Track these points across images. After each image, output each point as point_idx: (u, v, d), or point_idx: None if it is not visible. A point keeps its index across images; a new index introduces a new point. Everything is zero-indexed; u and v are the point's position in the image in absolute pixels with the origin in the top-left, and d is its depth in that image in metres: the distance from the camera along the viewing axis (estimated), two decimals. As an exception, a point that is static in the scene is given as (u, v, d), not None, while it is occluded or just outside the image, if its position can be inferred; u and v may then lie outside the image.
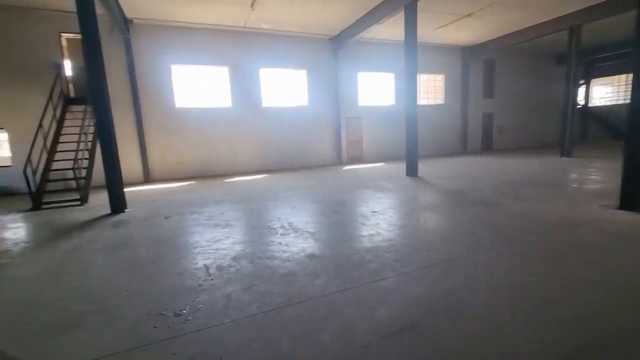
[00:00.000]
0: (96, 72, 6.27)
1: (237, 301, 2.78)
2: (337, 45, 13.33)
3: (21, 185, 8.74)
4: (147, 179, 11.30)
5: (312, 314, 2.54)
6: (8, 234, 5.38)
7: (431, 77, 16.03)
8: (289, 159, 13.45)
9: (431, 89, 16.20)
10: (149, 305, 2.77)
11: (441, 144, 16.60)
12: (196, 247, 4.27)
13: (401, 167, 10.94)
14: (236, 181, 10.52)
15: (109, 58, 8.78)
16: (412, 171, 9.79)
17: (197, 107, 11.84)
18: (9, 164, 9.78)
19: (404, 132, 10.05)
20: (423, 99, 15.84)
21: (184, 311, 2.64)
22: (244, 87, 12.32)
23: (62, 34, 9.83)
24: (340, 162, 14.29)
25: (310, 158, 13.87)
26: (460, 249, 3.79)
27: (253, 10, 10.10)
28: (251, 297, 2.83)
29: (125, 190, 6.96)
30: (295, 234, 4.61)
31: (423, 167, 11.09)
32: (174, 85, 11.39)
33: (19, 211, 7.17)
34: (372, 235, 4.38)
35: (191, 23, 11.01)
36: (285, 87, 13.28)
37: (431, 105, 16.06)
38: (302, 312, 2.57)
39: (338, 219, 5.37)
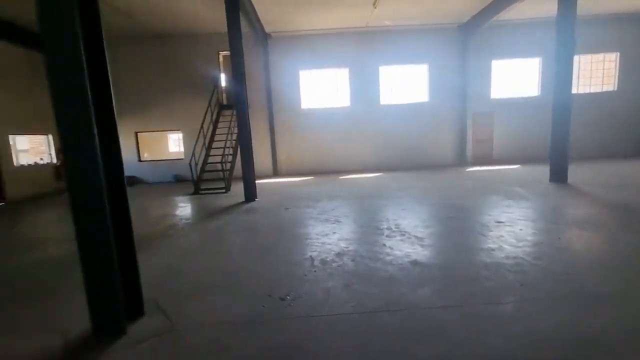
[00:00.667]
0: (239, 81, 7.49)
1: (336, 297, 2.85)
2: (467, 32, 11.99)
3: (189, 174, 11.28)
4: (276, 173, 12.84)
5: (410, 325, 2.38)
6: (176, 212, 7.04)
7: (597, 57, 12.61)
8: (406, 158, 12.97)
9: (596, 73, 12.75)
10: (262, 286, 3.15)
11: (607, 143, 12.91)
12: (306, 238, 4.60)
13: (543, 170, 9.06)
14: (350, 178, 10.82)
15: (250, 69, 10.38)
16: (558, 176, 7.98)
17: (318, 108, 12.71)
18: (182, 157, 12.76)
19: (549, 128, 8.26)
20: (582, 86, 12.65)
21: (288, 297, 2.89)
22: (363, 86, 12.51)
23: (220, 52, 12.13)
24: (464, 163, 12.89)
25: (429, 157, 13.02)
26: (618, 281, 2.88)
27: (375, 8, 10.10)
28: (348, 295, 2.87)
29: (257, 182, 8.09)
30: (402, 237, 4.42)
31: (576, 171, 8.87)
32: (301, 89, 12.54)
33: (185, 194, 9.28)
34: (493, 250, 3.78)
35: (315, 30, 11.84)
36: (405, 84, 12.81)
37: (594, 94, 12.67)
38: (399, 321, 2.44)
39: (453, 225, 4.87)
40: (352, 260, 3.67)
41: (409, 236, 4.44)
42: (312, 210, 6.39)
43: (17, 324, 2.72)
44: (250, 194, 7.75)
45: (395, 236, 4.47)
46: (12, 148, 9.96)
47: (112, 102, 2.49)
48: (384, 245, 4.14)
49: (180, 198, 8.75)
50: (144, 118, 12.35)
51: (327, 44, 12.22)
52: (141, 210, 7.34)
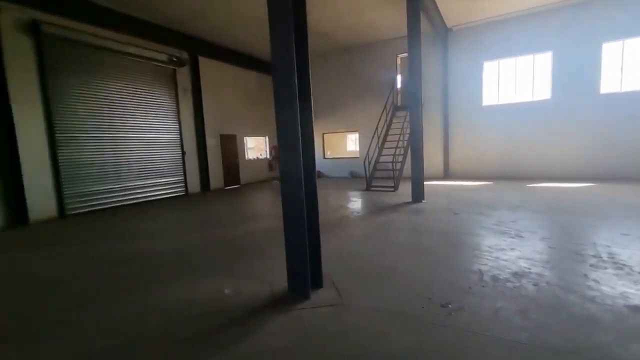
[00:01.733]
0: (414, 81, 7.56)
1: (505, 320, 2.55)
2: None
3: (363, 171, 12.34)
4: (447, 175, 12.13)
5: (611, 383, 1.86)
6: (349, 205, 7.91)
7: None
8: (637, 166, 9.41)
9: None
10: (421, 287, 3.19)
11: None
12: (475, 249, 4.23)
13: None
14: (543, 187, 8.89)
15: (426, 68, 10.23)
16: None
17: (503, 104, 11.03)
18: (357, 156, 14.05)
19: None
20: None
21: (450, 306, 2.81)
22: (573, 72, 9.90)
23: (398, 55, 12.51)
24: None
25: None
26: None
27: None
28: (523, 323, 2.50)
29: (425, 183, 7.97)
30: (617, 270, 3.35)
31: None
32: (483, 83, 11.26)
33: (358, 190, 10.22)
34: None
35: (507, 14, 10.26)
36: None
37: None
38: (594, 373, 1.95)
39: None
40: (534, 285, 3.13)
41: (629, 271, 3.32)
42: (486, 219, 5.74)
43: (238, 273, 3.90)
44: (418, 194, 7.72)
45: (605, 268, 3.44)
46: (245, 146, 13.87)
47: (311, 110, 3.16)
48: (586, 276, 3.28)
49: (353, 193, 9.73)
50: (329, 121, 14.35)
51: (522, 27, 10.38)
52: (322, 200, 8.69)
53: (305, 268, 3.06)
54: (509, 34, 10.59)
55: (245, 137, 13.76)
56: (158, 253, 4.81)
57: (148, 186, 9.72)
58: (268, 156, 15.14)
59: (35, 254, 5.03)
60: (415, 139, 7.74)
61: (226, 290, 3.37)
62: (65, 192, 7.81)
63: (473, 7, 9.79)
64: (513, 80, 10.99)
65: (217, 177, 12.11)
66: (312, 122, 3.16)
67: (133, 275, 3.95)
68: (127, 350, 2.43)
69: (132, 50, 9.08)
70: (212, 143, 11.89)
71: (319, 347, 2.34)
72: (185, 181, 10.87)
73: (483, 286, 3.15)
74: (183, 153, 10.76)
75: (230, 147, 12.88)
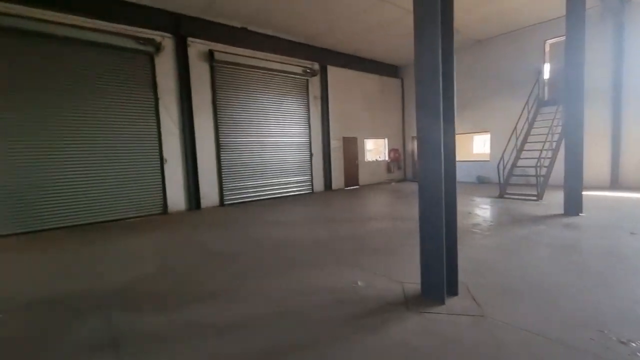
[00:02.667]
0: (575, 69, 6.32)
1: None
2: None
3: (493, 176, 11.00)
4: (615, 185, 9.64)
5: None
6: (480, 212, 7.21)
7: None
8: None
9: None
10: (584, 315, 2.69)
11: None
12: (671, 281, 3.28)
13: None
14: None
15: (591, 52, 8.35)
16: None
17: None
18: (487, 159, 12.60)
19: None
20: None
21: (633, 344, 2.30)
22: None
23: (546, 41, 10.64)
24: None
25: None
26: None
27: None
28: None
29: (583, 193, 6.57)
30: None
31: None
32: (681, 63, 8.48)
33: (488, 196, 9.18)
34: None
35: None
36: None
37: None
38: None
39: None
40: None
41: None
42: (687, 244, 4.34)
43: (369, 267, 4.07)
44: (573, 206, 6.41)
45: None
46: (364, 148, 14.26)
47: (453, 114, 3.09)
48: None
49: (482, 199, 8.81)
50: (457, 121, 13.33)
51: None
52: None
53: (441, 273, 3.00)
54: None
55: (365, 140, 14.15)
56: (297, 241, 5.49)
57: (282, 184, 11.13)
58: (387, 158, 15.15)
59: (207, 233, 6.47)
60: (574, 138, 6.45)
61: (359, 282, 3.61)
62: (224, 186, 9.73)
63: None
64: None
65: (338, 177, 12.87)
66: (454, 126, 3.09)
67: (281, 258, 4.65)
68: (287, 319, 2.91)
69: (276, 66, 10.58)
70: (335, 145, 12.70)
71: (465, 356, 2.29)
72: (311, 180, 11.97)
73: (687, 329, 2.44)
74: (311, 155, 11.88)
75: (351, 149, 13.47)
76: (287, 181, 11.28)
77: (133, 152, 8.12)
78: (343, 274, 3.89)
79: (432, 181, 3.00)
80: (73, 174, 7.36)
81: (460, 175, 13.20)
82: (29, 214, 6.87)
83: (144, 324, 2.94)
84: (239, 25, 9.58)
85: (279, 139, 11.02)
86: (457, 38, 11.43)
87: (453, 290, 3.16)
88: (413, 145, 15.33)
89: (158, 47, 8.09)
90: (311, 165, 11.94)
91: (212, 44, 9.25)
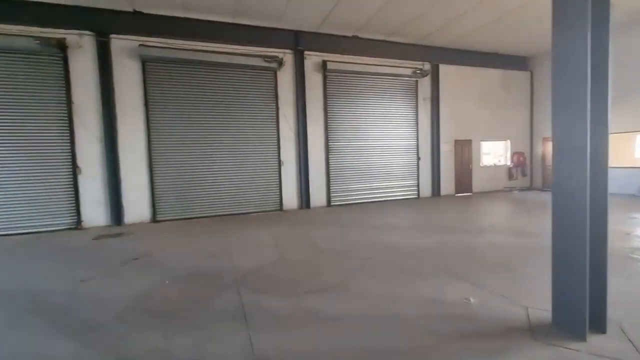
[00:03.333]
0: None
1: None
2: None
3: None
4: None
5: None
6: (645, 234, 5.65)
7: None
8: None
9: None
10: None
11: None
12: None
13: None
14: None
15: None
16: None
17: None
18: (658, 165, 9.70)
19: None
20: None
21: None
22: None
23: None
24: None
25: None
26: None
27: None
28: None
29: None
30: None
31: None
32: None
33: (660, 214, 7.08)
34: None
35: None
36: None
37: None
38: None
39: None
40: None
41: None
42: None
43: (483, 284, 3.68)
44: None
45: None
46: (480, 152, 12.84)
47: (607, 113, 2.56)
48: None
49: (649, 218, 6.86)
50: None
51: None
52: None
53: (583, 303, 2.52)
54: None
55: (481, 142, 12.75)
56: (405, 246, 5.40)
57: (387, 187, 11.04)
58: (508, 163, 13.28)
59: (318, 231, 6.95)
60: None
61: (471, 299, 3.33)
62: (332, 188, 10.27)
63: None
64: None
65: (448, 183, 11.97)
66: (607, 125, 2.55)
67: (388, 261, 4.67)
68: (392, 323, 2.93)
69: (384, 70, 10.58)
70: (446, 149, 11.86)
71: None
72: (418, 185, 11.49)
73: None
74: (418, 159, 11.41)
75: (464, 152, 12.33)
76: (392, 185, 11.13)
77: (259, 156, 9.40)
78: (453, 287, 3.66)
79: (572, 192, 2.55)
80: (215, 174, 9.00)
81: (615, 185, 10.58)
82: (182, 205, 8.73)
83: (266, 304, 3.41)
84: (350, 34, 9.98)
85: (385, 142, 10.97)
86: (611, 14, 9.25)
87: (599, 327, 2.61)
88: (544, 148, 13.00)
89: (280, 63, 9.15)
90: (418, 170, 11.46)
91: (325, 54, 9.90)
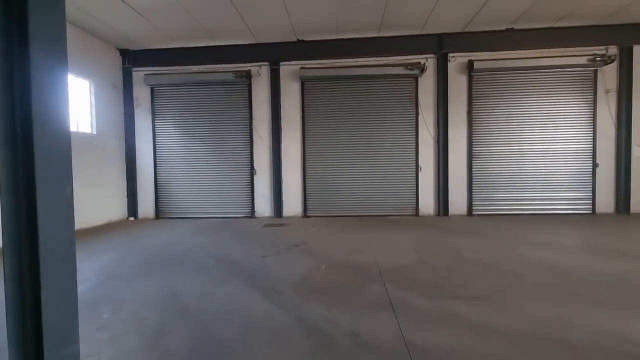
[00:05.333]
0: None
1: None
2: None
3: None
4: None
5: None
6: None
7: None
8: None
9: None
10: None
11: None
12: None
13: None
14: None
15: None
16: None
17: None
18: None
19: None
20: None
21: None
22: None
23: None
24: None
25: None
26: None
27: None
28: None
29: None
30: None
31: None
32: None
33: None
34: None
35: None
36: None
37: None
38: None
39: None
40: None
41: None
42: None
43: None
44: None
45: None
46: None
47: None
48: None
49: None
50: None
51: None
52: None
53: None
54: None
55: (702, 144, 9.22)
56: (570, 270, 4.64)
57: (545, 199, 9.40)
58: None
59: (457, 238, 6.67)
60: None
61: (674, 343, 2.68)
62: (474, 196, 9.55)
63: None
64: None
65: (641, 197, 9.21)
66: None
67: (549, 284, 4.17)
68: (551, 349, 2.72)
69: (546, 62, 9.09)
70: (639, 153, 9.16)
71: None
72: (593, 198, 9.31)
73: None
74: (594, 165, 9.25)
75: (674, 158, 9.19)
76: (553, 196, 9.41)
77: (397, 161, 9.71)
78: (645, 326, 3.01)
79: None
80: (356, 177, 9.83)
81: None
82: (328, 203, 9.89)
83: (411, 299, 3.67)
84: (503, 28, 9.05)
85: (545, 146, 9.39)
86: None
87: None
88: None
89: (422, 69, 9.19)
90: (594, 179, 9.28)
91: (472, 54, 9.31)
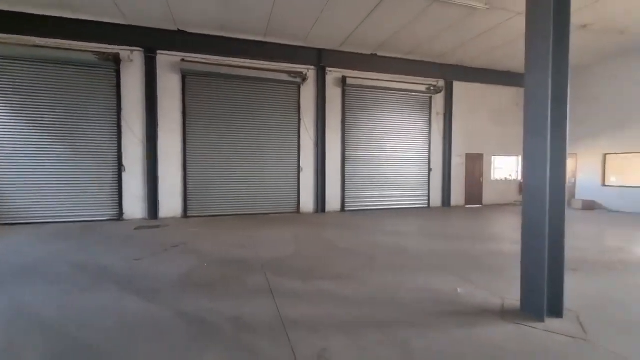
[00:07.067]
0: None
1: None
2: None
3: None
4: None
5: None
6: (635, 248, 6.08)
7: None
8: None
9: None
10: None
11: None
12: None
13: None
14: None
15: None
16: None
17: None
18: (667, 186, 9.92)
19: None
20: None
21: None
22: None
23: None
24: None
25: None
26: None
27: None
28: None
29: None
30: None
31: None
32: None
33: (659, 233, 7.42)
34: None
35: None
36: None
37: None
38: None
39: None
40: None
41: None
42: None
43: (475, 281, 4.30)
44: None
45: None
46: (491, 166, 13.27)
47: (565, 140, 3.20)
48: None
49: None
50: (618, 138, 11.06)
51: None
52: (592, 236, 7.15)
53: (540, 289, 3.15)
54: None
55: (492, 157, 13.19)
56: (412, 249, 6.05)
57: (399, 196, 11.67)
58: (519, 178, 13.63)
59: (332, 232, 7.68)
60: None
61: (459, 290, 3.98)
62: (346, 194, 11.01)
63: None
64: None
65: (458, 194, 12.47)
66: (565, 148, 3.19)
67: (395, 260, 5.34)
68: (392, 303, 3.63)
69: (399, 86, 11.32)
70: (457, 162, 12.39)
71: (545, 361, 2.53)
72: (429, 195, 12.06)
73: None
74: (429, 170, 12.00)
75: (475, 166, 12.81)
76: (404, 194, 11.75)
77: (280, 161, 10.31)
78: (448, 282, 4.30)
79: (535, 202, 3.20)
80: (240, 176, 9.93)
81: (624, 203, 10.86)
82: (210, 203, 9.68)
83: (288, 284, 4.17)
84: (369, 52, 10.79)
85: (398, 153, 11.64)
86: (622, 40, 9.66)
87: (556, 313, 3.22)
88: (556, 165, 13.29)
89: (304, 78, 10.06)
90: (429, 181, 12.05)
91: (345, 70, 10.74)
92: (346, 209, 11.01)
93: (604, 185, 11.62)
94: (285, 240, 6.73)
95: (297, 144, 10.45)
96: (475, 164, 12.84)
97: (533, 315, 3.21)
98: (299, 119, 10.41)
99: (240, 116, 9.88)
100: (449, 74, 11.98)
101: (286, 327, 3.05)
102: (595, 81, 11.61)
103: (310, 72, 10.37)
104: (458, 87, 12.24)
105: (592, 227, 8.31)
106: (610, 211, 11.11)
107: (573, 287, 3.76)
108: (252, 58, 9.77)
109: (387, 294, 3.89)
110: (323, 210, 10.66)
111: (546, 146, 3.15)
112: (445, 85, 12.07)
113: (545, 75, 3.14)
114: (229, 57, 9.58)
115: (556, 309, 3.22)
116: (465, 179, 12.63)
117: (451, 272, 4.68)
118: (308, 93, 10.46)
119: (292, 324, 3.13)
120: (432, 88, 11.66)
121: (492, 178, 13.26)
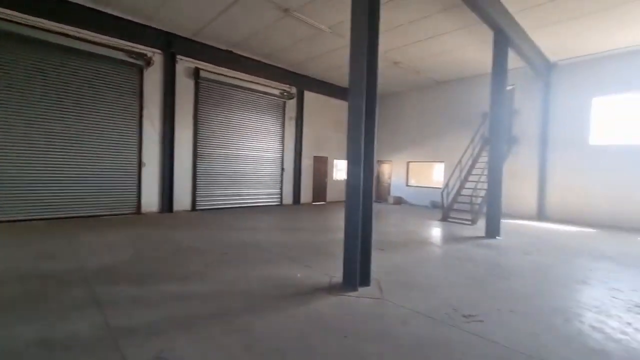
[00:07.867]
0: (496, 117, 7.80)
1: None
2: None
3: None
4: (542, 217, 11.21)
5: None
6: (422, 231, 8.40)
7: None
8: None
9: None
10: (455, 302, 3.77)
11: None
12: (503, 285, 4.45)
13: None
14: (660, 243, 7.68)
15: (524, 103, 10.11)
16: None
17: (619, 144, 9.82)
18: (440, 186, 14.07)
19: None
20: None
21: (469, 317, 3.37)
22: None
23: (492, 89, 12.38)
24: None
25: None
26: None
27: None
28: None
29: (512, 222, 7.87)
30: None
31: None
32: (591, 120, 10.32)
33: (434, 219, 10.47)
34: None
35: (620, 48, 9.39)
36: None
37: None
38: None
39: None
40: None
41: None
42: (558, 264, 5.62)
43: (312, 265, 5.02)
44: (492, 230, 7.72)
45: (661, 323, 3.39)
46: (334, 168, 15.41)
47: (374, 146, 4.18)
48: (630, 324, 3.34)
49: (429, 221, 10.07)
50: (417, 150, 14.85)
51: (646, 62, 9.31)
52: (396, 224, 9.37)
53: (355, 266, 4.01)
54: (626, 67, 9.60)
55: (334, 160, 15.33)
56: (261, 243, 6.35)
57: (253, 194, 11.98)
58: (354, 179, 16.34)
59: (179, 232, 7.18)
60: (494, 173, 7.85)
61: (298, 274, 4.55)
62: (198, 192, 10.46)
63: (576, 42, 9.32)
64: (632, 118, 9.76)
65: (307, 193, 13.88)
66: (374, 155, 4.18)
67: (244, 255, 5.50)
68: (238, 294, 3.78)
69: (256, 87, 11.64)
70: (306, 163, 13.77)
71: (359, 319, 3.27)
72: (281, 193, 12.89)
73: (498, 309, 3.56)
74: (282, 170, 12.85)
75: (321, 167, 14.58)
76: (258, 192, 12.14)
77: (115, 154, 8.79)
78: (291, 269, 4.81)
79: (352, 195, 4.05)
80: (61, 170, 7.90)
81: (418, 199, 14.65)
82: (12, 204, 7.32)
83: (122, 292, 3.71)
84: (224, 48, 10.61)
85: (253, 153, 11.94)
86: (419, 78, 13.12)
87: (366, 282, 4.16)
88: (379, 169, 16.66)
89: (149, 62, 8.95)
90: (282, 180, 12.89)
91: (199, 62, 10.21)
92: (197, 207, 10.48)
93: (407, 185, 15.37)
94: (120, 245, 5.86)
95: (137, 135, 9.18)
96: (321, 165, 14.59)
97: (350, 287, 4.04)
98: (141, 108, 9.18)
99: (62, 98, 7.87)
100: (301, 82, 13.16)
101: (117, 338, 2.76)
102: (405, 105, 15.22)
103: (157, 57, 9.33)
104: (308, 95, 13.61)
105: (398, 217, 10.90)
106: (411, 205, 14.80)
107: (379, 263, 4.93)
108: (80, 26, 7.94)
109: (235, 287, 4.04)
110: (170, 209, 9.79)
111: (360, 152, 4.03)
112: (298, 93, 13.20)
113: (361, 99, 4.02)
114: (50, 20, 7.48)
115: (365, 280, 4.16)
116: (313, 179, 14.18)
117: (295, 261, 5.26)
118: (153, 80, 9.36)
119: (125, 332, 2.84)
120: (285, 93, 12.53)
121: (334, 178, 15.38)
